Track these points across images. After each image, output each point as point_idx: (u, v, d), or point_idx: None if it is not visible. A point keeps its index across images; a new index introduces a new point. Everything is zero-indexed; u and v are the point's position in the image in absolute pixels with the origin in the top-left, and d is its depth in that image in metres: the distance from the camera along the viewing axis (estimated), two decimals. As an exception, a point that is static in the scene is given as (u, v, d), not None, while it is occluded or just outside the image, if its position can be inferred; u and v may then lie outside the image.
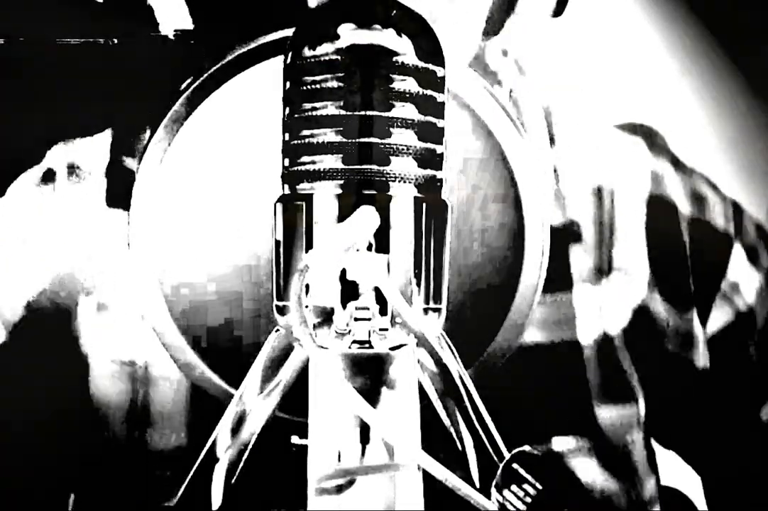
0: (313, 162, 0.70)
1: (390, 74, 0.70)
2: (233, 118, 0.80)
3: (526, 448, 0.71)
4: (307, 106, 0.70)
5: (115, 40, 1.34)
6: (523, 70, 1.02)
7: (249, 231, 0.80)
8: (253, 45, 0.81)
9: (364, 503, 0.66)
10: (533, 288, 0.83)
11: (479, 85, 0.82)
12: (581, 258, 1.01)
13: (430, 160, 0.71)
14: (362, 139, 0.69)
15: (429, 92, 0.71)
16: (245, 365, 0.75)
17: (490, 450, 0.74)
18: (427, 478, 0.67)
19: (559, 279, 0.99)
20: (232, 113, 0.80)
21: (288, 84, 0.72)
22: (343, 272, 0.68)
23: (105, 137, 1.04)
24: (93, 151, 1.03)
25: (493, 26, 0.96)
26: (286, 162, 0.72)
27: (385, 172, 0.70)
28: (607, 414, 1.01)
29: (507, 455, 0.71)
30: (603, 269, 1.01)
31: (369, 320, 0.69)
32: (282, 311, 0.75)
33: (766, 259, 1.09)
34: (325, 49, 0.70)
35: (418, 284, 0.73)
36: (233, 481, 0.74)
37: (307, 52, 0.70)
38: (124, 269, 0.98)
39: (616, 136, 1.07)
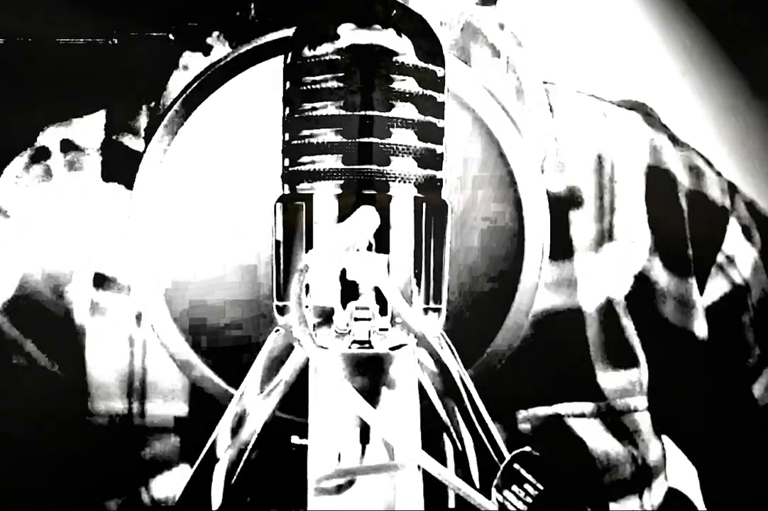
0: (313, 162, 0.70)
1: (390, 74, 0.70)
2: (233, 118, 0.80)
3: (527, 448, 0.71)
4: (307, 106, 0.70)
5: (115, 40, 1.34)
6: (521, 43, 1.03)
7: (249, 231, 0.80)
8: (253, 45, 0.81)
9: (364, 503, 0.66)
10: (533, 288, 0.83)
11: (479, 85, 0.82)
12: (582, 225, 1.02)
13: (430, 160, 0.71)
14: (362, 139, 0.69)
15: (429, 92, 0.71)
16: (245, 365, 0.75)
17: (490, 450, 0.74)
18: (427, 478, 0.67)
19: (560, 246, 0.99)
20: (232, 113, 0.80)
21: (288, 84, 0.72)
22: (343, 272, 0.68)
23: (99, 116, 1.04)
24: (87, 128, 1.03)
25: None
26: (286, 162, 0.72)
27: (385, 172, 0.70)
28: (609, 379, 1.02)
29: (507, 456, 0.71)
30: (604, 236, 1.02)
31: (369, 320, 0.69)
32: (282, 311, 0.75)
33: (759, 236, 1.09)
34: (325, 49, 0.70)
35: (418, 284, 0.73)
36: (233, 481, 0.74)
37: (307, 52, 0.70)
38: (120, 243, 0.98)
39: (614, 111, 1.07)
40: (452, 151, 0.74)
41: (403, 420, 0.68)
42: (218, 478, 0.74)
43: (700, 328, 1.05)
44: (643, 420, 1.04)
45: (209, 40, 0.97)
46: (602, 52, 1.63)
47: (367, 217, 0.69)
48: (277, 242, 0.74)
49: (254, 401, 0.75)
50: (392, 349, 0.69)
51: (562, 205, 1.01)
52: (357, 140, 0.69)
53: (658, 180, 1.05)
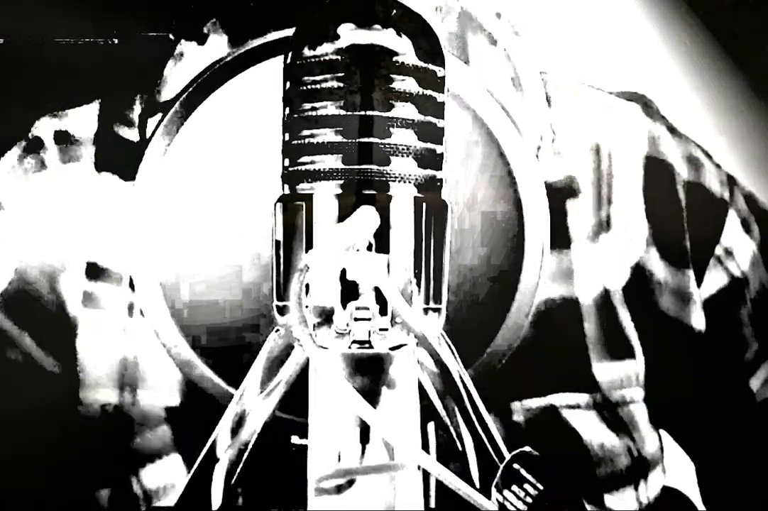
0: (313, 162, 0.70)
1: (390, 74, 0.70)
2: (233, 118, 0.80)
3: (527, 448, 0.71)
4: (307, 106, 0.70)
5: (115, 40, 1.34)
6: (518, 32, 1.03)
7: (249, 231, 0.80)
8: (253, 45, 0.81)
9: (364, 503, 0.66)
10: (533, 288, 0.83)
11: (479, 86, 0.82)
12: (579, 215, 1.01)
13: (430, 160, 0.71)
14: (362, 139, 0.69)
15: (429, 92, 0.71)
16: (245, 365, 0.75)
17: (490, 450, 0.74)
18: (427, 478, 0.67)
19: (557, 236, 0.99)
20: (232, 113, 0.80)
21: (288, 84, 0.72)
22: (343, 271, 0.68)
23: (93, 107, 1.04)
24: (81, 118, 1.03)
25: None
26: (286, 162, 0.72)
27: (385, 172, 0.70)
28: (605, 370, 1.01)
29: (507, 455, 0.71)
30: (602, 226, 1.02)
31: (369, 320, 0.69)
32: (282, 311, 0.75)
33: (758, 230, 1.09)
34: (325, 49, 0.70)
35: (418, 284, 0.73)
36: (233, 481, 0.74)
37: (307, 52, 0.70)
38: (114, 234, 0.98)
39: (613, 101, 1.07)
40: (452, 151, 0.74)
41: (403, 420, 0.68)
42: (218, 478, 0.74)
43: (698, 320, 1.05)
44: (640, 412, 1.04)
45: (205, 29, 0.97)
46: (600, 47, 1.63)
47: (367, 217, 0.69)
48: (277, 242, 0.74)
49: (254, 401, 0.75)
50: (392, 349, 0.69)
51: (559, 194, 1.01)
52: (357, 140, 0.69)
53: (657, 171, 1.05)
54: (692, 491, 1.12)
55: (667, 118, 1.09)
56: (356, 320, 0.69)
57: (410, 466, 0.66)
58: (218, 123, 0.81)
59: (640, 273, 1.03)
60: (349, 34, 0.70)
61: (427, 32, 0.71)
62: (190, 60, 0.98)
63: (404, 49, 0.70)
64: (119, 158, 0.98)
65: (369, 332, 0.69)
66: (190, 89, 0.81)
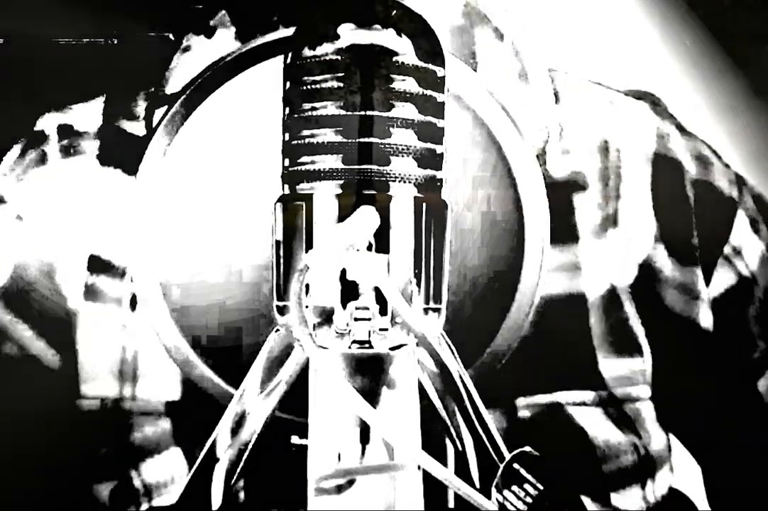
0: (313, 162, 0.70)
1: (390, 74, 0.70)
2: (233, 118, 0.80)
3: (527, 448, 0.71)
4: (307, 106, 0.70)
5: (115, 40, 1.34)
6: (526, 27, 1.02)
7: (249, 231, 0.80)
8: (252, 45, 0.81)
9: (364, 503, 0.66)
10: (533, 288, 0.83)
11: (480, 85, 0.82)
12: (587, 210, 1.01)
13: (430, 160, 0.71)
14: (362, 139, 0.69)
15: (429, 92, 0.71)
16: (245, 365, 0.75)
17: (490, 450, 0.74)
18: (427, 478, 0.67)
19: (565, 232, 0.99)
20: (232, 113, 0.80)
21: (288, 84, 0.72)
22: (343, 271, 0.68)
23: (98, 102, 1.04)
24: (86, 113, 1.03)
25: None
26: (286, 162, 0.72)
27: (385, 172, 0.70)
28: (611, 367, 1.01)
29: (507, 455, 0.71)
30: (609, 222, 1.01)
31: (369, 320, 0.69)
32: (282, 311, 0.75)
33: (765, 230, 1.09)
34: (325, 49, 0.70)
35: (418, 284, 0.73)
36: (233, 481, 0.74)
37: (307, 52, 0.70)
38: (115, 228, 0.98)
39: (621, 99, 1.07)
40: (452, 151, 0.74)
41: (403, 420, 0.68)
42: (218, 478, 0.74)
43: (705, 318, 1.04)
44: (646, 410, 1.04)
45: (212, 22, 0.97)
46: (600, 46, 1.63)
47: (367, 217, 0.69)
48: (277, 242, 0.74)
49: (254, 401, 0.75)
50: (392, 349, 0.69)
51: (567, 189, 1.01)
52: (357, 140, 0.69)
53: (665, 168, 1.04)
54: (698, 493, 1.12)
55: (675, 117, 1.09)
56: (356, 320, 0.69)
57: (410, 466, 0.66)
58: (218, 123, 0.81)
59: (647, 270, 1.02)
60: (349, 34, 0.70)
61: (427, 32, 0.71)
62: (197, 53, 0.98)
63: (404, 49, 0.70)
64: (123, 152, 0.98)
65: (369, 332, 0.69)
66: (191, 89, 0.81)
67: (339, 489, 0.66)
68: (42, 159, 1.02)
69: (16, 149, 1.04)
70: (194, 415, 0.76)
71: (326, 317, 0.70)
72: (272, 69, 0.78)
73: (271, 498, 0.85)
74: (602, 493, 1.00)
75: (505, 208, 0.83)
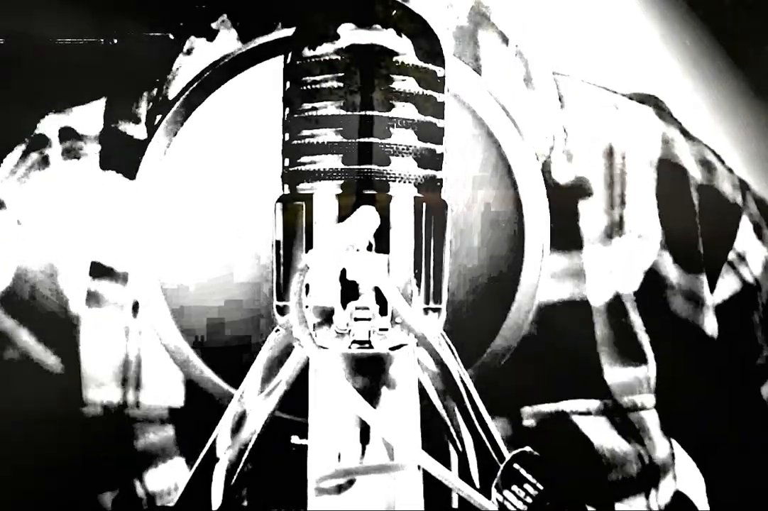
0: (313, 162, 0.70)
1: (390, 74, 0.70)
2: (233, 119, 0.80)
3: (527, 448, 0.71)
4: (307, 106, 0.70)
5: (115, 40, 1.34)
6: (530, 31, 1.02)
7: (249, 231, 0.80)
8: (253, 45, 0.81)
9: (364, 503, 0.66)
10: (533, 288, 0.83)
11: (480, 85, 0.82)
12: (591, 216, 1.01)
13: (430, 160, 0.71)
14: (362, 139, 0.69)
15: (429, 92, 0.71)
16: (245, 365, 0.75)
17: (491, 450, 0.74)
18: (427, 478, 0.67)
19: (569, 238, 0.99)
20: (232, 113, 0.80)
21: (288, 84, 0.72)
22: (343, 271, 0.68)
23: (99, 104, 1.04)
24: (87, 116, 1.03)
25: None
26: (286, 162, 0.72)
27: (385, 172, 0.70)
28: (616, 375, 1.01)
29: (507, 456, 0.71)
30: (614, 229, 1.01)
31: (369, 320, 0.69)
32: (282, 311, 0.75)
33: None
34: (325, 49, 0.70)
35: (418, 284, 0.73)
36: (233, 481, 0.74)
37: (307, 52, 0.70)
38: (117, 233, 0.97)
39: (626, 103, 1.07)
40: (452, 151, 0.74)
41: (403, 420, 0.68)
42: (218, 478, 0.74)
43: (710, 325, 1.04)
44: (651, 418, 1.03)
45: (214, 25, 0.97)
46: (600, 47, 1.63)
47: (367, 217, 0.69)
48: (277, 242, 0.74)
49: (254, 401, 0.75)
50: (392, 349, 0.69)
51: (571, 195, 1.00)
52: (357, 140, 0.69)
53: (670, 174, 1.04)
54: (701, 499, 1.12)
55: (679, 121, 1.08)
56: (356, 320, 0.69)
57: (410, 466, 0.66)
58: (218, 123, 0.81)
59: (653, 277, 1.02)
60: (349, 34, 0.70)
61: (427, 32, 0.71)
62: (199, 56, 0.98)
63: (404, 49, 0.70)
64: (124, 156, 0.98)
65: (369, 332, 0.69)
66: (191, 89, 0.81)
67: (339, 489, 0.66)
68: (44, 162, 1.02)
69: (17, 152, 1.04)
70: (198, 422, 0.76)
71: (326, 317, 0.70)
72: (272, 69, 0.78)
73: (271, 498, 0.85)
74: (607, 502, 1.00)
75: (505, 208, 0.82)
